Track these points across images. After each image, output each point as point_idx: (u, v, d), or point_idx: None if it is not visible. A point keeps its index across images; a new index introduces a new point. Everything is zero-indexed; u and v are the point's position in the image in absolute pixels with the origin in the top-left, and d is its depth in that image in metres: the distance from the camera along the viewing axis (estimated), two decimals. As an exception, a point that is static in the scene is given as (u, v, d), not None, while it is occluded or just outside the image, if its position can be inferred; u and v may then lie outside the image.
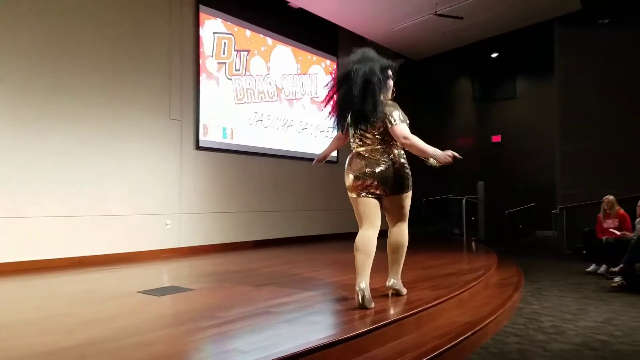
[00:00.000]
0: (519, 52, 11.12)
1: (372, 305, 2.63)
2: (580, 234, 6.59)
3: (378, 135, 2.85)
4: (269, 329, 2.23)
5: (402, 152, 2.90)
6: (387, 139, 2.85)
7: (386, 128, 2.81)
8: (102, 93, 5.01)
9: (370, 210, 2.80)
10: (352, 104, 2.79)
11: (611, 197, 5.78)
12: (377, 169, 2.80)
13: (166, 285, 3.55)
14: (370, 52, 2.98)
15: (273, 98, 6.96)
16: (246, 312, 2.55)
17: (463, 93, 12.52)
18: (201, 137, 5.96)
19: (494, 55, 11.64)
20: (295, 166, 7.26)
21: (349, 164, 2.96)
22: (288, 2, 6.88)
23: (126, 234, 5.15)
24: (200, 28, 5.99)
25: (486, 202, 8.39)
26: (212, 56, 6.15)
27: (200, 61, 5.99)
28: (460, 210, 8.89)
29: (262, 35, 6.84)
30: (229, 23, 6.36)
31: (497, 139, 12.68)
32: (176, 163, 5.73)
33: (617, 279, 4.52)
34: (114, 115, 5.12)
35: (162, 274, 4.28)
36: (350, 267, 4.41)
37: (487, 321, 2.86)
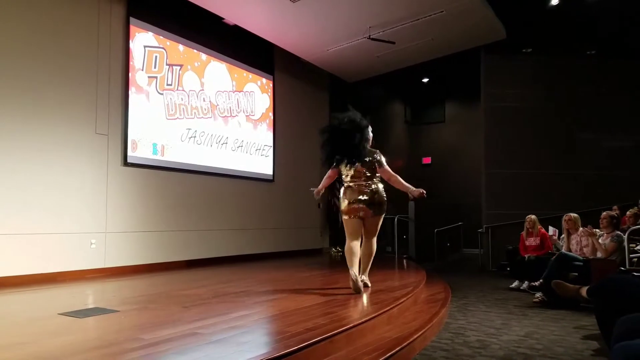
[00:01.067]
0: (448, 78, 11.85)
1: (362, 290, 3.81)
2: (505, 251, 7.05)
3: (367, 172, 4.01)
4: (195, 351, 2.18)
5: (381, 185, 4.06)
6: (371, 175, 4.01)
7: (373, 168, 3.99)
8: (22, 105, 4.72)
9: (355, 228, 4.03)
10: (348, 150, 3.86)
11: (533, 217, 6.23)
12: (364, 198, 3.97)
13: (90, 306, 3.37)
14: (356, 114, 4.03)
15: (207, 114, 6.87)
16: (173, 334, 2.47)
17: (395, 116, 13.07)
18: (129, 153, 5.74)
19: (425, 80, 12.30)
20: (230, 184, 7.18)
21: (344, 194, 4.12)
22: (223, 19, 6.89)
23: (48, 254, 4.84)
24: (130, 41, 5.83)
25: (417, 221, 8.75)
26: (142, 70, 5.99)
27: (130, 74, 5.82)
28: (393, 229, 9.21)
29: (195, 51, 6.77)
30: (161, 37, 6.25)
31: (427, 160, 13.31)
32: (102, 179, 5.46)
33: (538, 294, 4.83)
34: (36, 128, 4.83)
35: (86, 295, 4.06)
36: (285, 285, 4.44)
37: (415, 336, 2.96)
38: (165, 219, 6.13)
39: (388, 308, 3.31)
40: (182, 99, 6.48)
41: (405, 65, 9.03)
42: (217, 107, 7.07)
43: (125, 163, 5.70)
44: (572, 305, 4.47)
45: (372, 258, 4.19)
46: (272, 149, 8.12)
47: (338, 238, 9.37)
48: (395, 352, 2.62)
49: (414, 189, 3.88)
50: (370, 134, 4.03)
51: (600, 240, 4.90)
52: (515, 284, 5.91)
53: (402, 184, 3.99)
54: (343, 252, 8.54)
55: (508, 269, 6.82)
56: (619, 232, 4.85)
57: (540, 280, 4.85)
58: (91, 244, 5.26)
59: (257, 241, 7.58)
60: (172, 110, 6.32)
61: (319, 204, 9.24)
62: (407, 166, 13.19)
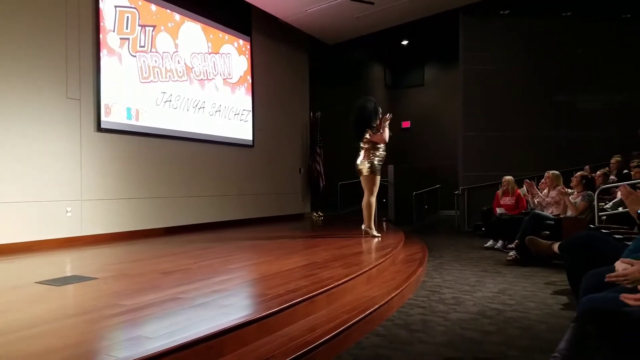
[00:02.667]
0: (428, 41, 11.73)
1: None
2: (480, 212, 7.23)
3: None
4: (177, 315, 2.19)
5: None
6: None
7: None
8: (-19, 66, 4.48)
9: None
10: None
11: (510, 177, 6.41)
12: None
13: (68, 274, 3.33)
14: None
15: (182, 77, 6.68)
16: (154, 300, 2.47)
17: (375, 79, 12.97)
18: (103, 118, 5.57)
19: (405, 42, 12.16)
20: (208, 150, 7.07)
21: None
22: (197, -23, 6.61)
23: (22, 223, 4.74)
24: (100, 1, 5.55)
25: (396, 184, 8.84)
26: (113, 31, 5.74)
27: (101, 36, 5.57)
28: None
29: (169, 11, 6.50)
30: (132, -5, 5.97)
31: (406, 124, 13.35)
32: (75, 145, 5.31)
33: (512, 253, 5.01)
34: (4, 93, 4.61)
35: (63, 264, 4.02)
36: (266, 250, 4.47)
37: (393, 295, 3.05)
38: (142, 185, 6.04)
39: (367, 269, 3.39)
40: (156, 62, 6.27)
41: (385, 26, 8.88)
42: (193, 69, 6.87)
43: (99, 128, 5.54)
44: (544, 263, 4.64)
45: (370, 210, 5.42)
46: (251, 113, 7.99)
47: (319, 203, 9.43)
48: (374, 310, 2.69)
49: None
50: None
51: (571, 199, 5.06)
52: (489, 243, 6.11)
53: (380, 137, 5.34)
54: (324, 216, 8.74)
55: (483, 229, 7.02)
56: (589, 192, 5.00)
57: (516, 241, 4.99)
58: (67, 211, 5.17)
59: (237, 207, 7.56)
60: (145, 73, 6.12)
61: (300, 168, 9.23)
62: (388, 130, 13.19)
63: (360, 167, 5.42)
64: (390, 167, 8.98)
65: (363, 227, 5.49)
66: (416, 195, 9.10)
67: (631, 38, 8.22)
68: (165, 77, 6.40)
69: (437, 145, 12.52)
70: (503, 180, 6.44)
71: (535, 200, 5.73)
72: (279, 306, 2.27)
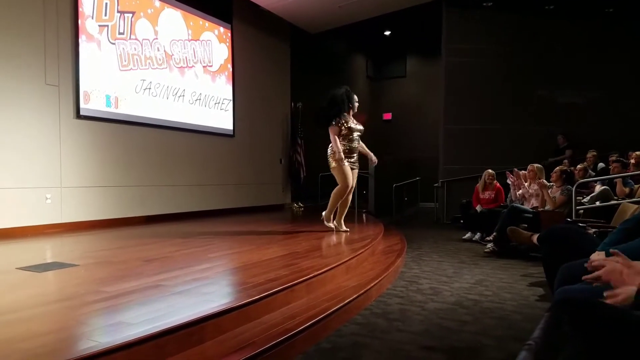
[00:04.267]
0: (410, 32, 11.77)
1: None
2: (459, 205, 7.36)
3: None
4: (159, 302, 2.21)
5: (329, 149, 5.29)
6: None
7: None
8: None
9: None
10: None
11: (491, 171, 6.47)
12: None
13: (48, 261, 3.32)
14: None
15: (162, 65, 6.59)
16: (135, 287, 2.48)
17: (357, 70, 12.98)
18: (82, 105, 5.48)
19: (387, 33, 12.19)
20: (188, 139, 7.02)
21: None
22: (179, -38, 6.50)
23: (2, 208, 4.69)
24: (77, -18, 5.43)
25: (376, 176, 8.91)
26: (92, 17, 5.63)
27: (80, 22, 5.46)
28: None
29: (149, -4, 6.39)
30: (112, -21, 5.84)
31: (387, 116, 13.42)
32: (54, 132, 5.23)
33: (489, 245, 5.13)
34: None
35: (44, 250, 4.00)
36: (247, 239, 4.49)
37: (372, 285, 3.11)
38: (121, 173, 5.98)
39: (347, 259, 3.44)
40: (135, 49, 6.17)
41: (368, 16, 8.88)
42: (173, 57, 6.78)
43: (78, 115, 5.45)
44: (520, 255, 4.77)
45: (331, 202, 5.36)
46: (231, 102, 7.94)
47: (300, 193, 9.45)
48: (353, 299, 2.75)
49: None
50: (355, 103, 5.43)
51: (550, 193, 5.17)
52: (467, 235, 6.21)
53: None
54: (304, 207, 8.76)
55: (461, 221, 7.13)
56: (568, 186, 5.11)
57: (494, 234, 5.09)
58: (46, 198, 5.10)
59: (218, 197, 7.54)
60: (125, 61, 6.02)
61: (280, 159, 9.22)
62: (369, 122, 13.24)
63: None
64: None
65: (324, 213, 5.43)
66: (396, 187, 9.18)
67: (612, 35, 8.39)
68: (145, 65, 6.31)
69: (418, 137, 12.62)
70: (485, 173, 6.48)
71: (519, 192, 5.82)
72: (259, 294, 2.31)
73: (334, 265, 3.18)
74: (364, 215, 8.13)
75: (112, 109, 5.85)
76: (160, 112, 6.54)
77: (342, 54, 12.12)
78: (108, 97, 5.81)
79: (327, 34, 9.67)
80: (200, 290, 2.42)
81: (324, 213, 5.34)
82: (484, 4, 8.60)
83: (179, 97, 6.87)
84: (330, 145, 5.17)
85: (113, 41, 5.87)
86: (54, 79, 5.22)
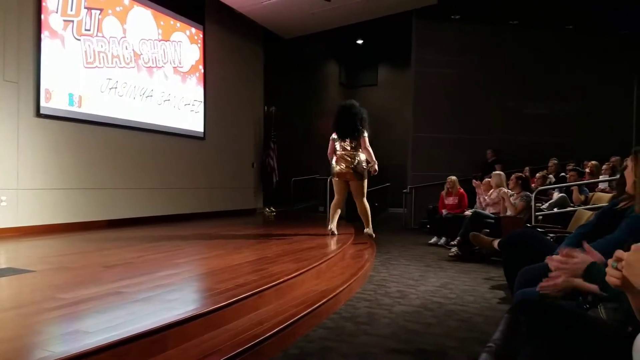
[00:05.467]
0: (382, 41, 11.93)
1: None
2: (426, 210, 7.48)
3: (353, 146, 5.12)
4: (119, 309, 2.13)
5: (363, 156, 5.13)
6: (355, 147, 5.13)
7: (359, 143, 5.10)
8: None
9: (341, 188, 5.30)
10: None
11: (454, 178, 6.71)
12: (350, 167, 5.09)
13: (2, 267, 3.16)
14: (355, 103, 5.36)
15: (130, 64, 6.43)
16: (94, 294, 2.38)
17: (330, 76, 13.05)
18: (42, 103, 5.28)
19: (360, 42, 12.31)
20: (156, 141, 6.86)
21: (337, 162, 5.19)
22: (149, -39, 6.38)
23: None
24: (40, -24, 5.25)
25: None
26: (56, 12, 5.44)
27: (42, 17, 5.26)
28: (325, 190, 9.37)
29: (118, -6, 6.24)
30: (78, -25, 5.68)
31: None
32: (12, 131, 5.00)
33: (454, 249, 5.24)
34: None
35: (-4, 256, 3.79)
36: (215, 244, 4.41)
37: (341, 289, 3.11)
38: (83, 175, 5.78)
39: (317, 264, 3.43)
40: (102, 46, 6.00)
41: (341, 24, 8.95)
42: (141, 56, 6.63)
43: (38, 114, 5.24)
44: (483, 259, 4.88)
45: (369, 214, 5.29)
46: (202, 104, 7.82)
47: (272, 198, 9.38)
48: (322, 304, 2.73)
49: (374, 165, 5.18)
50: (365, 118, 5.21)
51: (511, 200, 5.34)
52: (433, 239, 6.35)
53: (371, 156, 5.14)
54: (277, 212, 8.71)
55: (428, 226, 7.26)
56: (527, 193, 5.31)
57: (458, 238, 5.22)
58: (1, 201, 4.87)
59: (187, 201, 7.40)
60: (90, 58, 5.85)
61: (252, 163, 9.14)
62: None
63: (347, 168, 5.13)
64: (342, 165, 9.13)
65: (365, 230, 5.39)
66: (367, 193, 9.26)
67: (575, 48, 8.74)
68: (112, 63, 6.14)
69: (389, 145, 12.73)
70: (448, 180, 6.70)
71: (480, 199, 6.02)
72: (227, 300, 2.26)
73: (304, 269, 3.16)
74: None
75: (75, 108, 5.66)
76: (127, 113, 6.37)
77: (316, 60, 12.16)
78: (71, 96, 5.62)
79: (301, 39, 9.68)
80: (164, 297, 2.35)
81: (368, 230, 5.35)
82: (452, 17, 8.82)
83: (147, 97, 6.72)
84: (360, 155, 5.08)
85: (78, 37, 5.69)
86: (13, 76, 5.01)
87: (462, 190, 6.62)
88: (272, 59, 9.68)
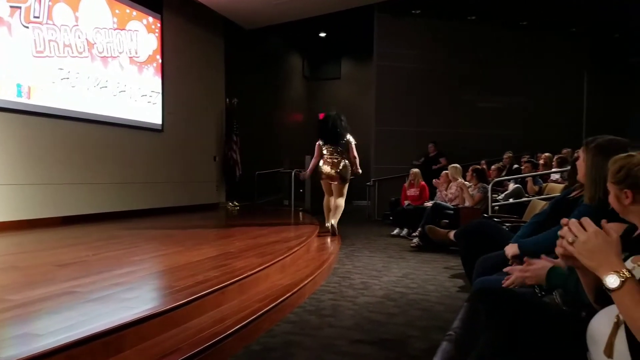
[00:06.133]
0: (345, 35, 11.93)
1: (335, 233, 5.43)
2: (388, 202, 7.59)
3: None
4: (72, 310, 2.03)
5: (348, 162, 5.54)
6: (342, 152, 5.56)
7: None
8: None
9: (327, 189, 5.72)
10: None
11: (416, 170, 6.89)
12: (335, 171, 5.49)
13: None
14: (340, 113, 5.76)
15: (83, 53, 6.15)
16: (45, 294, 2.26)
17: (294, 69, 12.96)
18: (-13, 94, 4.97)
19: (322, 34, 12.27)
20: (112, 133, 6.60)
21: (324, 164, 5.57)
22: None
23: None
24: (-18, -42, 4.92)
25: (312, 175, 8.92)
26: (1, -4, 5.12)
27: (-16, 0, 4.95)
28: (290, 183, 9.33)
29: (69, -21, 5.94)
30: (24, -42, 5.36)
31: (323, 116, 13.52)
32: (-50, 124, 4.69)
33: (415, 240, 5.34)
34: None
35: None
36: (176, 240, 4.30)
37: (306, 282, 3.10)
38: (34, 170, 5.49)
39: (281, 257, 3.40)
40: (52, 35, 5.70)
41: (303, 16, 8.89)
42: (95, 45, 6.35)
43: (-18, 106, 4.94)
44: (443, 249, 4.99)
45: (340, 212, 5.59)
46: (160, 95, 7.58)
47: (235, 192, 9.23)
48: (287, 298, 2.72)
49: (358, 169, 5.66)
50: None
51: (469, 191, 5.50)
52: (396, 231, 6.47)
53: (357, 163, 5.60)
54: (240, 206, 8.60)
55: (391, 217, 7.38)
56: (484, 184, 5.47)
57: (419, 229, 5.32)
58: (-59, 198, 4.57)
59: (145, 196, 7.17)
60: (40, 47, 5.55)
61: (214, 156, 8.96)
62: (306, 121, 13.29)
63: (333, 172, 5.49)
64: (308, 158, 9.05)
65: (332, 222, 5.53)
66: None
67: (531, 43, 9.02)
68: (63, 53, 5.85)
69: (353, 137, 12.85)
70: (410, 172, 6.87)
71: (442, 194, 6.18)
72: (186, 298, 2.20)
73: (268, 264, 3.13)
74: (300, 213, 8.12)
75: (23, 100, 5.36)
76: (80, 104, 6.10)
77: (279, 52, 12.03)
78: (19, 87, 5.32)
79: (263, 31, 9.54)
80: (120, 297, 2.26)
81: (333, 223, 5.52)
82: (413, 12, 8.93)
83: (101, 88, 6.45)
84: (345, 160, 5.51)
85: (27, 25, 5.38)
86: (-45, 65, 4.70)
87: (423, 182, 6.78)
88: (234, 50, 9.50)
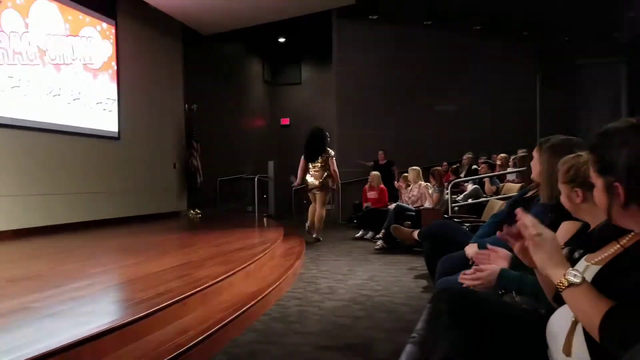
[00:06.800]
0: (304, 40, 11.96)
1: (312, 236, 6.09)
2: (352, 205, 7.67)
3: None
4: (26, 327, 1.92)
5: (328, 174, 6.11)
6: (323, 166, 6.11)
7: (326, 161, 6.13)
8: None
9: (313, 198, 6.25)
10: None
11: (376, 173, 7.02)
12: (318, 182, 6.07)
13: None
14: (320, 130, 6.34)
15: (34, 61, 5.88)
16: (-5, 312, 2.14)
17: (254, 74, 12.87)
18: None
19: (282, 39, 12.26)
20: (66, 142, 6.33)
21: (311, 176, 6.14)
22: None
23: None
24: None
25: (276, 180, 8.90)
26: (-59, 0, 4.84)
27: None
28: (253, 189, 9.23)
29: (16, -17, 5.68)
30: (-33, -40, 5.09)
31: (285, 121, 13.48)
32: None
33: (379, 242, 5.39)
34: None
35: None
36: (135, 251, 4.16)
37: (271, 289, 3.06)
38: (-17, 182, 5.20)
39: (246, 264, 3.35)
40: (1, 42, 5.43)
41: (260, 22, 8.85)
42: (47, 52, 6.09)
43: None
44: (406, 251, 5.06)
45: (322, 220, 6.14)
46: (116, 102, 7.35)
47: (197, 199, 9.05)
48: (252, 306, 2.67)
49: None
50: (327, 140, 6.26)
51: (430, 192, 5.61)
52: (359, 233, 6.54)
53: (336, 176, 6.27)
54: (202, 214, 8.45)
55: (355, 220, 7.45)
56: (441, 185, 5.61)
57: (383, 231, 5.38)
58: None
59: (103, 206, 6.90)
60: (-14, 54, 5.27)
61: (174, 163, 8.76)
62: (268, 126, 13.22)
63: (317, 182, 6.07)
64: (271, 163, 9.01)
65: (315, 234, 6.14)
66: (295, 190, 9.24)
67: (485, 48, 9.30)
68: (13, 60, 5.59)
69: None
70: (370, 175, 7.08)
71: (404, 197, 6.28)
72: (147, 310, 2.12)
73: (232, 272, 3.07)
74: (264, 219, 8.04)
75: (-31, 109, 5.07)
76: (32, 113, 5.82)
77: (239, 57, 11.92)
78: (-36, 95, 5.03)
79: (222, 36, 9.43)
80: (77, 311, 2.16)
81: (317, 235, 6.15)
82: (370, 17, 9.06)
83: (54, 96, 6.18)
84: (329, 170, 6.10)
85: (-30, 31, 5.10)
86: None
87: (382, 185, 6.92)
88: (193, 55, 9.34)
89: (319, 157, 6.05)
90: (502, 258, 1.50)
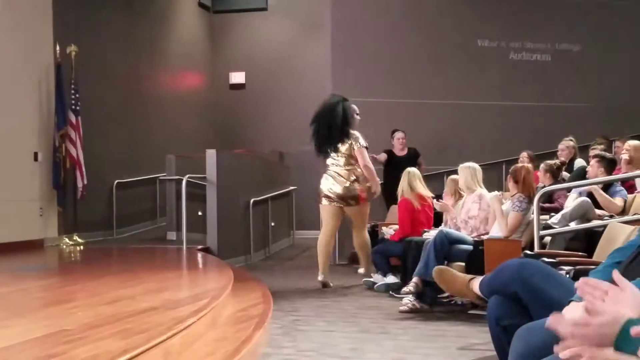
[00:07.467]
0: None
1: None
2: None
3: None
4: None
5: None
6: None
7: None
8: None
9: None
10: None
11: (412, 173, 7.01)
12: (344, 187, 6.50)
13: None
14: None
15: None
16: None
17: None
18: None
19: None
20: None
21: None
22: None
23: None
24: None
25: (219, 184, 8.74)
26: None
27: None
28: (180, 200, 9.06)
29: None
30: None
31: (238, 78, 13.52)
32: None
33: (408, 298, 5.34)
34: None
35: None
36: None
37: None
38: None
39: (163, 338, 3.33)
40: None
41: None
42: None
43: None
44: (457, 314, 5.08)
45: (369, 248, 6.64)
46: None
47: (76, 218, 9.03)
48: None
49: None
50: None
51: (504, 208, 5.55)
52: (373, 279, 6.43)
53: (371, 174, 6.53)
54: (86, 243, 8.46)
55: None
56: (527, 197, 5.52)
57: (415, 279, 5.33)
58: None
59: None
60: None
61: (35, 152, 8.74)
62: (207, 88, 13.26)
63: (344, 192, 6.35)
64: (210, 153, 8.75)
65: (361, 271, 6.60)
66: (255, 203, 9.20)
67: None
68: None
69: (291, 115, 12.77)
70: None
71: (448, 220, 6.26)
72: None
73: (139, 350, 3.06)
74: (198, 255, 7.99)
75: None
76: None
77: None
78: None
79: None
80: None
81: (362, 271, 6.59)
82: None
83: None
84: (357, 170, 6.37)
85: None
86: None
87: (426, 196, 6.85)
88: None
89: (340, 147, 6.27)
90: (630, 299, 1.48)
